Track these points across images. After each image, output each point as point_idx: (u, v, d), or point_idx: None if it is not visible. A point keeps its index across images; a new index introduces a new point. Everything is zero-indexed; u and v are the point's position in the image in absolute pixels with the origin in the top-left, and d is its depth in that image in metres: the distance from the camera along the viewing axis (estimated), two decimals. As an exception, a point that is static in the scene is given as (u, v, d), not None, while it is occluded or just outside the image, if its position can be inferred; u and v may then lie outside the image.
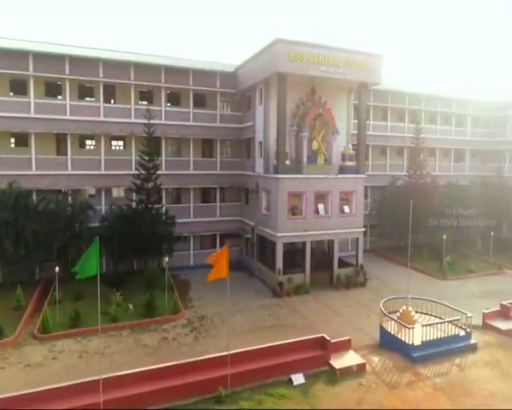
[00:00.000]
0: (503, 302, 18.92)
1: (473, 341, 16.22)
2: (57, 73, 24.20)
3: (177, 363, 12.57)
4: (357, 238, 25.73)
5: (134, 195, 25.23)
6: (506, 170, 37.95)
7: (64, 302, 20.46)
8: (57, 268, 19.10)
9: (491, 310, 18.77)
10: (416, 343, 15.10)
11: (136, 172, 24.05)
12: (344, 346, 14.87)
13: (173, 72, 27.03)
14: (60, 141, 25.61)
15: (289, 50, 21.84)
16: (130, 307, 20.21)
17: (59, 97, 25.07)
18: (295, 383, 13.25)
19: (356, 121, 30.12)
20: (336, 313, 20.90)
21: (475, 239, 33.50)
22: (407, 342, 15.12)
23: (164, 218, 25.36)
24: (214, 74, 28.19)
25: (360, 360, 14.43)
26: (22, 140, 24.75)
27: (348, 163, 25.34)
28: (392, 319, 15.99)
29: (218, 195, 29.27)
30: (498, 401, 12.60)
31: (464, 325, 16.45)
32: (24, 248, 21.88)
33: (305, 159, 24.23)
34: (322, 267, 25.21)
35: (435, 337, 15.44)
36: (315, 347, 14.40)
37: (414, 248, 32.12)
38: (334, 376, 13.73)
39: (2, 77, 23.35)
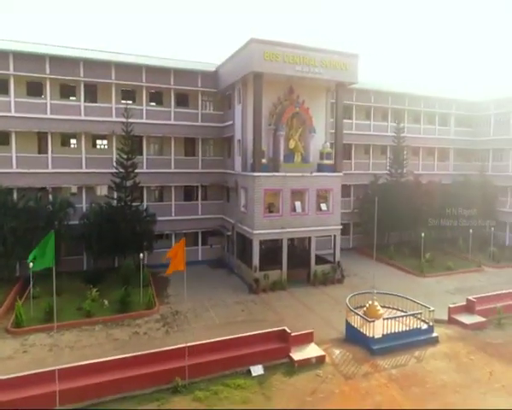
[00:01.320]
0: (469, 297, 19.28)
1: (435, 334, 16.57)
2: (38, 73, 24.53)
3: (134, 354, 12.93)
4: (335, 236, 26.05)
5: (115, 193, 25.56)
6: (490, 169, 38.38)
7: (41, 298, 20.76)
8: (31, 264, 19.35)
9: (456, 305, 19.15)
10: (376, 336, 15.44)
11: (116, 170, 24.37)
12: (306, 339, 15.22)
13: (154, 71, 27.37)
14: (41, 139, 25.94)
15: (264, 50, 22.19)
16: (106, 302, 20.57)
17: (41, 96, 25.37)
18: (254, 374, 13.60)
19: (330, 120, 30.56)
20: (309, 309, 21.23)
21: (458, 237, 33.84)
22: (368, 335, 15.47)
23: (144, 215, 25.69)
24: (195, 74, 28.54)
25: (320, 353, 14.78)
26: (3, 138, 25.06)
27: (326, 161, 25.71)
28: (356, 314, 16.34)
29: (199, 193, 29.60)
30: (448, 391, 12.97)
31: (428, 318, 16.80)
32: (2, 245, 22.18)
33: (281, 157, 24.59)
34: (301, 264, 25.57)
35: (396, 331, 15.79)
36: (276, 339, 14.76)
37: (395, 246, 32.69)
38: (293, 367, 14.07)
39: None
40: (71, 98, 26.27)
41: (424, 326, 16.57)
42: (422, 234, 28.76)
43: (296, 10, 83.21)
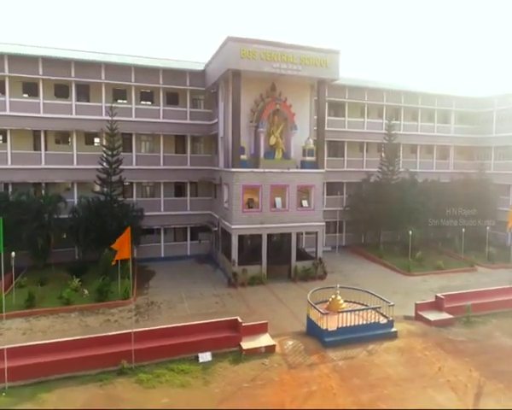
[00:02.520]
0: (438, 294, 19.00)
1: (393, 329, 16.46)
2: (31, 74, 25.84)
3: (82, 337, 13.62)
4: (316, 232, 26.08)
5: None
6: (492, 167, 37.31)
7: (28, 286, 21.97)
8: (13, 253, 20.58)
9: (424, 301, 18.92)
10: (330, 329, 15.53)
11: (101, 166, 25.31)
12: (259, 329, 15.50)
13: (143, 71, 28.26)
14: (36, 137, 27.24)
15: (241, 48, 22.58)
16: (86, 292, 21.52)
17: (35, 96, 26.67)
18: (201, 361, 14.02)
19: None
20: (283, 303, 21.45)
21: (455, 237, 33.07)
22: (322, 327, 15.59)
23: (131, 210, 26.56)
24: (184, 73, 29.23)
25: (271, 343, 15.03)
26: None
27: (308, 158, 25.81)
28: (313, 307, 16.46)
29: (188, 189, 30.27)
30: (389, 383, 12.93)
31: (388, 313, 16.71)
32: (-6, 236, 23.46)
33: (262, 153, 24.89)
34: (284, 260, 25.76)
35: (352, 324, 15.82)
36: (227, 329, 15.14)
37: (388, 245, 32.41)
38: (241, 355, 14.39)
39: (-21, 78, 25.22)
40: (63, 98, 27.42)
41: (383, 321, 16.51)
42: (410, 232, 28.40)
43: (293, 7, 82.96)
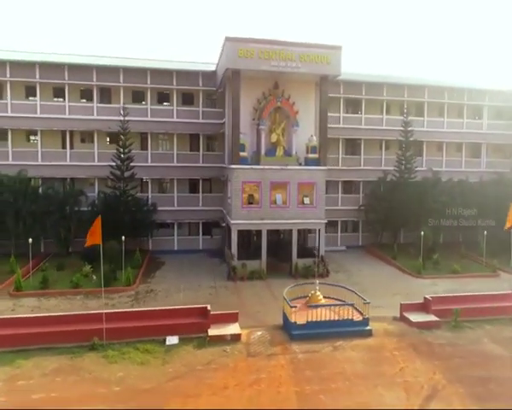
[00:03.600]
0: (427, 296, 18.16)
1: (368, 327, 16.10)
2: (58, 79, 28.58)
3: (60, 314, 15.11)
4: (319, 230, 25.91)
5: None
6: (532, 166, 34.30)
7: (47, 271, 24.43)
8: (30, 240, 22.93)
9: (410, 302, 18.21)
10: (299, 322, 15.61)
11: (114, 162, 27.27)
12: (229, 318, 16.03)
13: (158, 73, 29.95)
14: (64, 136, 29.98)
15: (238, 47, 23.19)
16: (94, 277, 23.44)
17: (62, 99, 29.44)
18: (168, 343, 14.88)
19: (335, 115, 30.45)
20: (275, 298, 21.62)
21: (481, 240, 30.87)
22: (290, 320, 15.73)
23: (143, 205, 28.33)
24: (196, 74, 30.48)
25: (237, 331, 15.48)
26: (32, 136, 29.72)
27: (311, 155, 25.75)
28: (285, 301, 16.63)
29: (200, 186, 31.46)
30: (340, 378, 12.79)
31: (365, 311, 16.40)
32: (24, 225, 26.34)
33: (263, 151, 25.28)
34: (288, 257, 25.94)
35: (323, 319, 15.76)
36: (197, 315, 15.85)
37: (405, 246, 31.17)
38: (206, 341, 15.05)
39: (16, 84, 28.32)
40: (87, 100, 29.91)
41: (358, 318, 16.22)
42: (422, 233, 27.13)
43: (307, 4, 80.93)
